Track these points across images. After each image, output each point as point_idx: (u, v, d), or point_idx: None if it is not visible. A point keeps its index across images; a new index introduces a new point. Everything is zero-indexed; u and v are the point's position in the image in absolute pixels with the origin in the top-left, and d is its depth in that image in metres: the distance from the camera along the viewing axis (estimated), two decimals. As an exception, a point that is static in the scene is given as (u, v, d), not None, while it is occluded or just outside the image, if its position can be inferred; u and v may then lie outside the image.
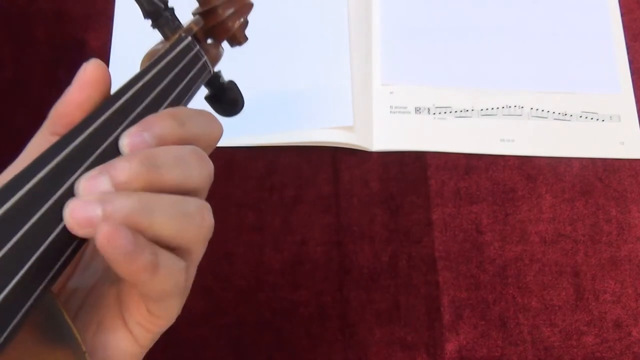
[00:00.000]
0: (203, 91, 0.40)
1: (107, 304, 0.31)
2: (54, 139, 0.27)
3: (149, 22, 0.36)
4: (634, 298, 0.55)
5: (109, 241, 0.24)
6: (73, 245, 0.27)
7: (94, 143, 0.28)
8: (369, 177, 0.58)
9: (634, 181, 0.59)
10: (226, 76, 0.42)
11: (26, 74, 0.61)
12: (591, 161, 0.59)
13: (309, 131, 0.59)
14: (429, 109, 0.61)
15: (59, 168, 0.26)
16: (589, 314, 0.54)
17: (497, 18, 0.65)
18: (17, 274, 0.24)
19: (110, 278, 0.32)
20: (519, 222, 0.57)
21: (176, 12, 0.36)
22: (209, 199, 0.31)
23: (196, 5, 0.39)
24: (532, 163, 0.59)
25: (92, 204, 0.25)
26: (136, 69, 0.35)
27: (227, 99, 0.42)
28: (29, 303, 0.25)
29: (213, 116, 0.32)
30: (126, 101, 0.30)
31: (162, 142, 0.28)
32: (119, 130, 0.29)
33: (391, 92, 0.62)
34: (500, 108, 0.61)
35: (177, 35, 0.35)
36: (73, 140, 0.27)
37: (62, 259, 0.27)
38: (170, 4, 0.36)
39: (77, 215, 0.25)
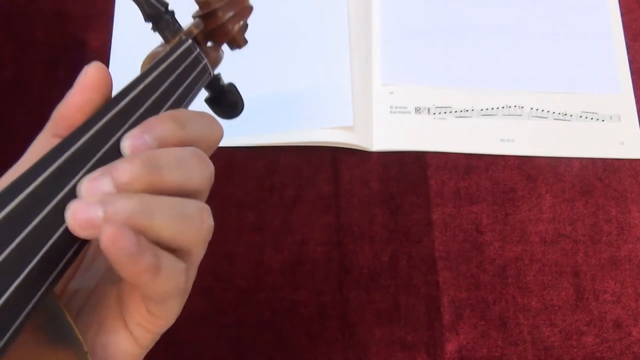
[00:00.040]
0: (203, 94, 0.40)
1: (108, 305, 0.31)
2: (55, 141, 0.28)
3: (150, 25, 0.36)
4: (634, 298, 0.55)
5: (113, 242, 0.25)
6: (75, 247, 0.27)
7: (96, 145, 0.28)
8: (369, 177, 0.58)
9: (634, 181, 0.59)
10: (226, 76, 0.42)
11: (26, 74, 0.61)
12: (591, 161, 0.59)
13: (309, 131, 0.59)
14: (429, 109, 0.61)
15: (61, 170, 0.26)
16: (589, 314, 0.54)
17: (497, 18, 0.65)
18: (19, 275, 0.24)
19: (111, 279, 0.32)
20: (519, 222, 0.57)
21: (176, 15, 0.37)
22: (209, 199, 0.31)
23: (196, 8, 0.39)
24: (532, 163, 0.59)
25: (94, 206, 0.25)
26: (136, 69, 0.35)
27: (227, 101, 0.42)
28: (31, 304, 0.25)
29: (213, 118, 0.32)
30: (127, 104, 0.30)
31: (163, 144, 0.28)
32: (120, 133, 0.29)
33: (391, 92, 0.62)
34: (500, 108, 0.61)
35: (177, 38, 0.35)
36: (75, 143, 0.27)
37: (64, 261, 0.27)
38: (170, 7, 0.36)
39: (78, 216, 0.25)
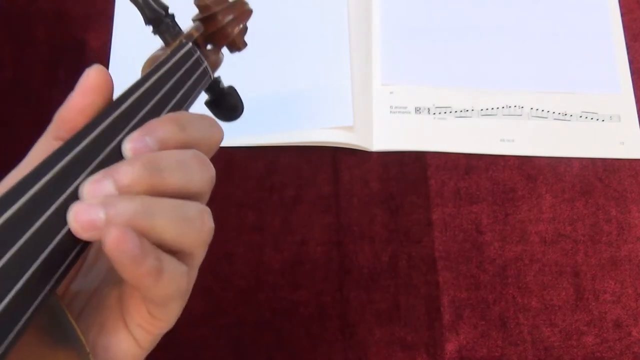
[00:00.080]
0: (203, 96, 0.41)
1: (109, 306, 0.31)
2: (57, 144, 0.28)
3: (150, 28, 0.36)
4: (634, 298, 0.55)
5: (118, 245, 0.25)
6: (77, 249, 0.27)
7: (97, 147, 0.28)
8: (369, 177, 0.58)
9: (634, 181, 0.59)
10: (226, 76, 0.42)
11: (26, 74, 0.61)
12: (591, 161, 0.59)
13: (309, 131, 0.59)
14: (429, 109, 0.61)
15: (63, 172, 0.27)
16: (589, 314, 0.54)
17: (497, 18, 0.65)
18: (23, 277, 0.25)
19: (112, 281, 0.32)
20: (519, 222, 0.57)
21: (176, 19, 0.37)
22: (209, 199, 0.31)
23: (196, 11, 0.39)
24: (532, 163, 0.59)
25: (96, 207, 0.25)
26: (136, 70, 0.35)
27: (227, 104, 0.42)
28: (34, 306, 0.25)
29: (214, 120, 0.32)
30: (128, 106, 0.30)
31: (164, 146, 0.29)
32: (121, 135, 0.29)
33: (391, 92, 0.62)
34: (500, 108, 0.61)
35: (177, 42, 0.36)
36: (77, 145, 0.27)
37: (67, 262, 0.27)
38: (170, 11, 0.36)
39: (80, 218, 0.26)
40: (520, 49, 0.63)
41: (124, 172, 0.27)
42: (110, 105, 0.30)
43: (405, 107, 0.61)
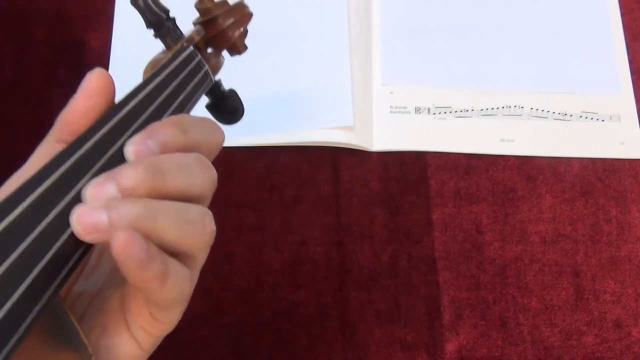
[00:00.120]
0: (203, 100, 0.41)
1: (112, 308, 0.31)
2: (60, 147, 0.28)
3: (152, 32, 0.36)
4: (634, 298, 0.55)
5: (125, 249, 0.25)
6: (80, 251, 0.27)
7: (100, 150, 0.28)
8: (369, 177, 0.58)
9: (634, 181, 0.59)
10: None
11: (26, 74, 0.61)
12: (591, 161, 0.59)
13: (309, 131, 0.59)
14: (429, 109, 0.61)
15: (66, 175, 0.27)
16: (589, 314, 0.54)
17: (497, 18, 0.65)
18: (26, 279, 0.25)
19: (114, 283, 0.32)
20: (519, 222, 0.57)
21: (176, 22, 0.37)
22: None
23: (196, 15, 0.39)
24: (532, 163, 0.59)
25: (98, 210, 0.26)
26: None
27: (228, 107, 0.43)
28: (38, 307, 0.26)
29: (215, 123, 0.33)
30: (130, 110, 0.30)
31: (166, 149, 0.29)
32: (123, 138, 0.29)
33: (391, 92, 0.62)
34: (500, 108, 0.61)
35: (179, 45, 0.36)
36: (79, 148, 0.28)
37: (69, 265, 0.27)
38: (170, 14, 0.36)
39: (83, 220, 0.26)
40: (520, 49, 0.63)
41: (127, 175, 0.27)
42: (113, 108, 0.30)
43: (405, 107, 0.61)
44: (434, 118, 0.61)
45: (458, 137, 0.60)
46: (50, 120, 0.31)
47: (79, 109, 0.30)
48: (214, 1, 0.39)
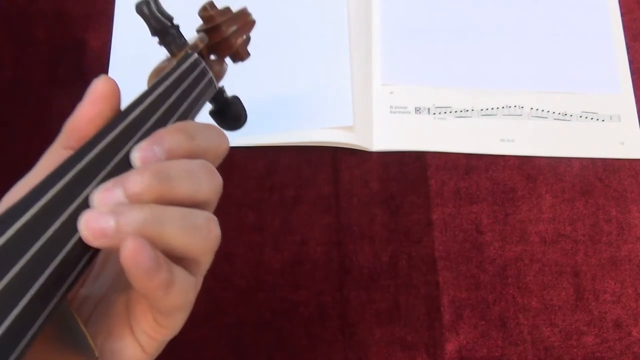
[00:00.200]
0: (207, 106, 0.41)
1: (117, 313, 0.32)
2: (67, 153, 0.29)
3: (156, 39, 0.36)
4: (634, 298, 0.55)
5: (134, 257, 0.25)
6: (88, 256, 0.28)
7: (107, 157, 0.29)
8: (369, 177, 0.58)
9: (634, 181, 0.59)
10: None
11: (26, 74, 0.61)
12: (591, 161, 0.59)
13: (309, 131, 0.59)
14: (429, 109, 0.61)
15: (74, 181, 0.27)
16: (589, 314, 0.54)
17: (497, 18, 0.65)
18: (35, 284, 0.25)
19: (120, 287, 0.33)
20: (519, 222, 0.57)
21: (180, 30, 0.37)
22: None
23: (199, 22, 0.40)
24: (532, 163, 0.59)
25: (106, 215, 0.26)
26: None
27: (231, 113, 0.43)
28: (46, 312, 0.26)
29: (220, 130, 0.33)
30: (136, 116, 0.31)
31: (172, 155, 0.29)
32: (130, 145, 0.30)
33: (391, 92, 0.62)
34: (500, 108, 0.61)
35: (183, 52, 0.36)
36: (87, 154, 0.28)
37: (77, 270, 0.27)
38: (175, 22, 0.37)
39: (91, 225, 0.26)
40: (520, 49, 0.63)
41: (134, 181, 0.27)
42: (119, 115, 0.30)
43: (405, 107, 0.61)
44: (434, 118, 0.61)
45: (458, 137, 0.60)
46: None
47: (86, 116, 0.31)
48: (217, 9, 0.39)
